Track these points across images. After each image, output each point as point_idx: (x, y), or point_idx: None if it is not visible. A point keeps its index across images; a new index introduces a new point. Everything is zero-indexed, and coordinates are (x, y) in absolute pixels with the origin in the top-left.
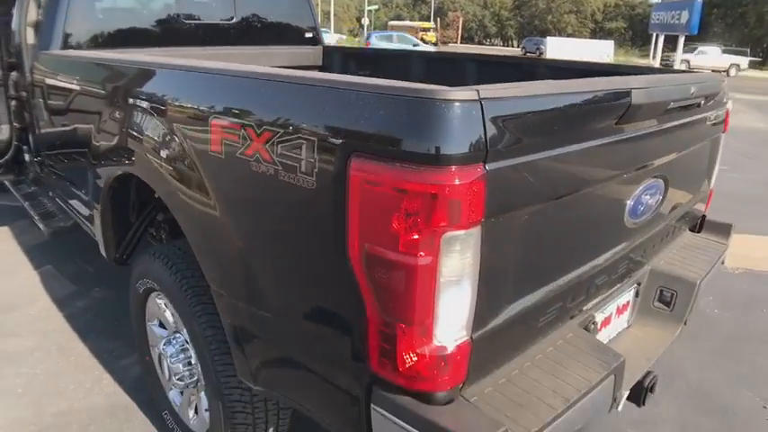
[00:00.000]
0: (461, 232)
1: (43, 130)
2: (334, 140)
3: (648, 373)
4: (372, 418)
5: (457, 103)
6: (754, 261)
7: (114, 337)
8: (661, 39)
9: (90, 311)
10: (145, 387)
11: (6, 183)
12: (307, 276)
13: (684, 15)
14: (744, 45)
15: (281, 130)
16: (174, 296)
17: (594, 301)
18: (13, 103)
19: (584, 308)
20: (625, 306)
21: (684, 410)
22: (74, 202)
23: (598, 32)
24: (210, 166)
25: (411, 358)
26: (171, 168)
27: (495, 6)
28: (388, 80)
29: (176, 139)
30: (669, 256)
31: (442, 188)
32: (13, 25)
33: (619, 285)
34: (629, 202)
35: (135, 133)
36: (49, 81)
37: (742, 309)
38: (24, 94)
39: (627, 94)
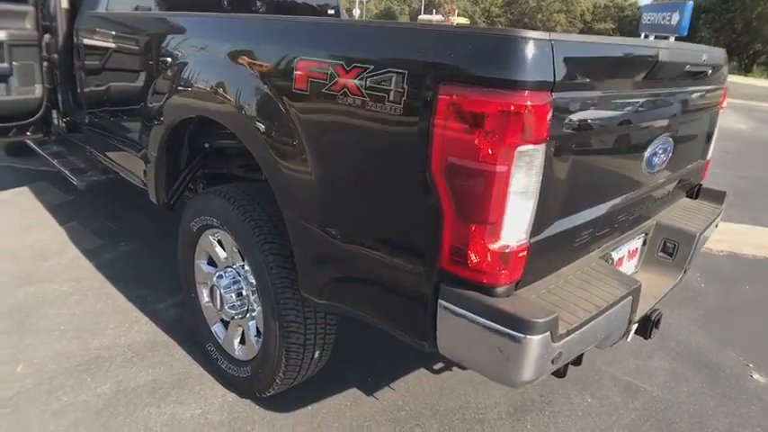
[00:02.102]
0: (531, 147)
1: (87, 89)
2: (424, 72)
3: (655, 309)
4: (438, 314)
5: (532, 42)
6: (735, 245)
7: (145, 286)
8: (651, 39)
9: (119, 262)
10: (182, 327)
11: (30, 143)
12: (385, 193)
13: (675, 17)
14: (731, 51)
15: (371, 66)
16: (236, 229)
17: (613, 240)
18: (45, 64)
19: (605, 244)
20: (634, 252)
21: (675, 364)
22: (118, 156)
23: (587, 32)
24: (294, 102)
25: (480, 255)
26: (250, 109)
27: (485, 2)
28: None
29: (257, 81)
30: (671, 213)
31: (518, 109)
32: None
33: (630, 231)
34: (647, 153)
35: (209, 81)
36: (98, 41)
37: (726, 285)
38: (56, 56)
39: (655, 53)
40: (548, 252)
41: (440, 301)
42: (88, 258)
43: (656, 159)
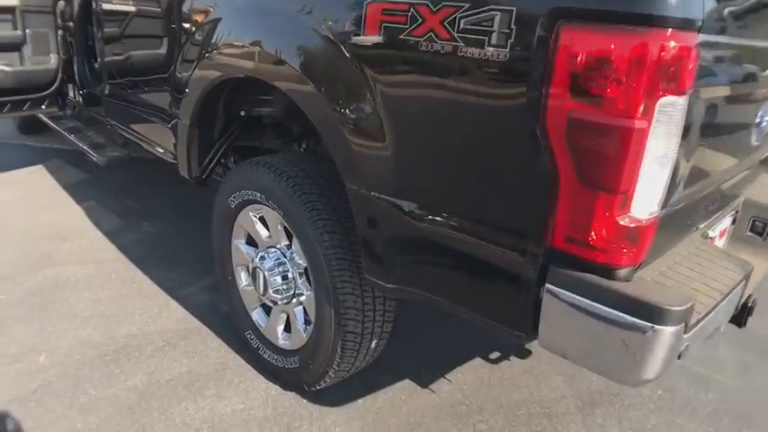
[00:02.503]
0: (673, 99)
1: (108, 59)
2: (539, 8)
3: (750, 295)
4: (544, 300)
5: None
6: None
7: (172, 267)
8: None
9: (143, 243)
10: (216, 313)
11: (44, 119)
12: (482, 159)
13: None
14: None
15: (467, 5)
16: (284, 205)
17: (712, 217)
18: (59, 33)
19: (705, 222)
20: (724, 231)
21: (744, 354)
22: (144, 129)
23: None
24: (363, 52)
25: (605, 230)
26: (307, 63)
27: None
28: None
29: (314, 30)
30: (758, 189)
31: (662, 51)
32: None
33: (725, 208)
34: (758, 118)
35: (253, 34)
36: (119, 5)
37: None
38: (71, 23)
39: None
40: (667, 228)
41: (546, 285)
42: (110, 239)
43: (763, 124)
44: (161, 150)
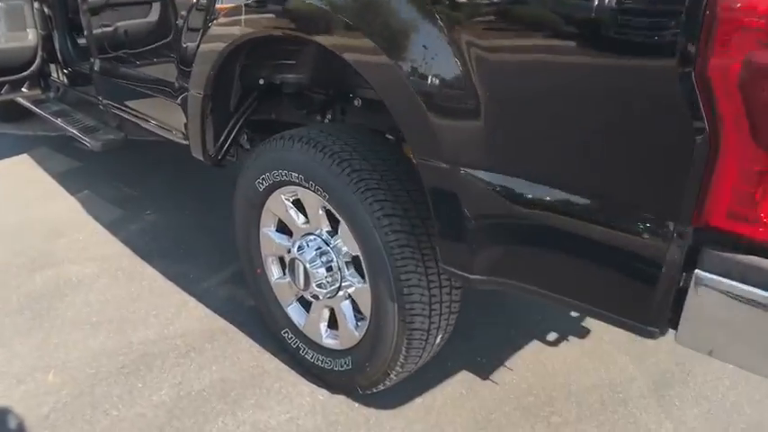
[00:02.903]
0: None
1: (97, 31)
2: None
3: None
4: (691, 290)
5: None
6: None
7: (184, 259)
8: None
9: (147, 234)
10: (240, 309)
11: (26, 103)
12: (608, 118)
13: None
14: None
15: None
16: (330, 185)
17: None
18: (36, 5)
19: None
20: None
21: None
22: (147, 107)
23: None
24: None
25: None
26: (372, 20)
27: None
28: None
29: None
30: None
31: None
32: None
33: None
34: None
35: None
36: None
37: None
38: None
39: None
40: None
41: (696, 271)
42: (111, 232)
43: None
44: (168, 130)
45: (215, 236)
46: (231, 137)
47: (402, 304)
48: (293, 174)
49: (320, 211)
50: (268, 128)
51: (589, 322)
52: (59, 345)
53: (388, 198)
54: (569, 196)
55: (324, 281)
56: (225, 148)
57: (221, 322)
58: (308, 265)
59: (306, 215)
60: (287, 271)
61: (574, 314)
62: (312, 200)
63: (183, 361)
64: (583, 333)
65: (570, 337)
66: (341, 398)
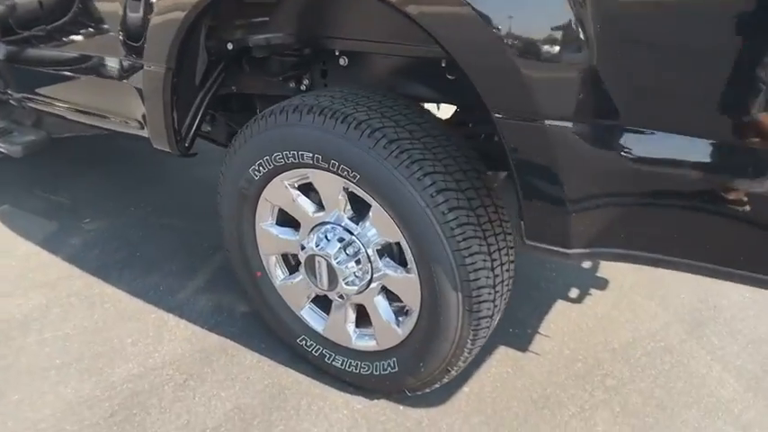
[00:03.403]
0: None
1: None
2: None
3: None
4: None
5: None
6: None
7: (146, 270)
8: None
9: (95, 247)
10: (233, 318)
11: None
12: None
13: None
14: None
15: None
16: (358, 161)
17: None
18: None
19: None
20: None
21: None
22: (88, 97)
23: None
24: None
25: None
26: None
27: None
28: None
29: None
30: None
31: None
32: None
33: None
34: None
35: None
36: None
37: None
38: None
39: None
40: None
41: None
42: (50, 251)
43: None
44: (115, 120)
45: (173, 233)
46: (198, 118)
47: (468, 292)
48: (305, 154)
49: (341, 196)
50: (227, 105)
51: (603, 270)
52: (22, 402)
53: (437, 170)
54: (702, 145)
55: (354, 276)
56: (193, 132)
57: (214, 338)
58: (333, 261)
59: (318, 202)
60: (303, 270)
61: (586, 265)
62: (330, 183)
63: (184, 394)
64: (602, 284)
65: (592, 290)
66: (381, 403)
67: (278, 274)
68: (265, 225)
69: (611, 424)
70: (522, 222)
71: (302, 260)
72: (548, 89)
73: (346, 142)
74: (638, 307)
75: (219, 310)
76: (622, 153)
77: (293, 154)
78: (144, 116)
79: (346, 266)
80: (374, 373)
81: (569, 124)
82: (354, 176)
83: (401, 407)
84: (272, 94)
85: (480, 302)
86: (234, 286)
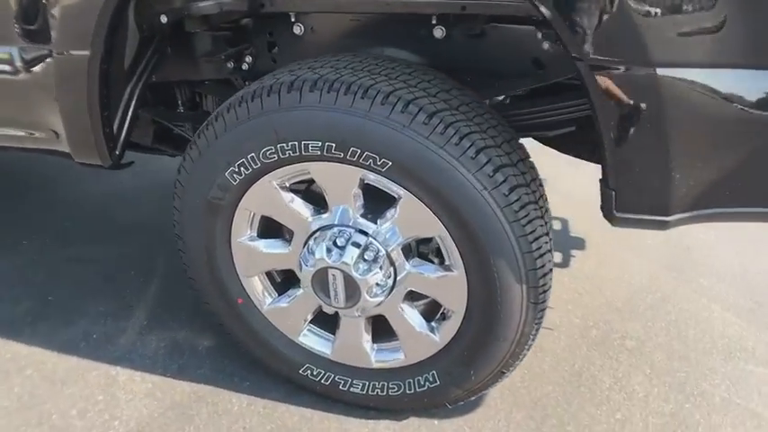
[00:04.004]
0: None
1: None
2: None
3: None
4: None
5: None
6: None
7: (67, 319)
8: None
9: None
10: (198, 356)
11: None
12: None
13: None
14: None
15: None
16: (393, 143)
17: None
18: None
19: None
20: None
21: None
22: None
23: None
24: None
25: None
26: None
27: None
28: None
29: None
30: None
31: None
32: None
33: None
34: None
35: None
36: None
37: None
38: None
39: None
40: None
41: None
42: None
43: None
44: (15, 133)
45: (86, 266)
46: (129, 116)
47: (534, 282)
48: (309, 144)
49: (355, 191)
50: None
51: (578, 229)
52: None
53: (488, 143)
54: None
55: (379, 286)
56: (125, 134)
57: (184, 386)
58: (353, 272)
59: (314, 202)
60: (310, 288)
61: (557, 226)
62: (342, 177)
63: None
64: (579, 243)
65: (573, 252)
66: (412, 422)
67: (264, 297)
68: (244, 240)
69: (648, 386)
70: (613, 193)
71: (306, 276)
72: (662, 33)
73: (371, 122)
74: (619, 261)
75: (178, 350)
76: (742, 99)
77: (292, 146)
78: (60, 121)
79: (370, 275)
80: (407, 391)
81: (686, 71)
82: (384, 164)
83: (435, 421)
84: (198, 80)
85: (545, 292)
86: (186, 317)
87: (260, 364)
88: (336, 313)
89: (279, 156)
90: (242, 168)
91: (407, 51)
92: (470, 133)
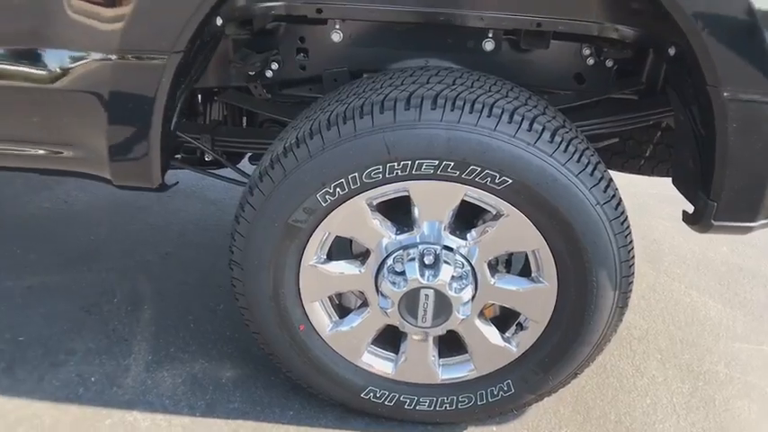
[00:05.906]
0: None
1: None
2: None
3: None
4: None
5: None
6: None
7: (53, 362)
8: None
9: None
10: (227, 391)
11: None
12: None
13: None
14: None
15: None
16: (512, 156)
17: None
18: None
19: None
20: None
21: None
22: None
23: None
24: None
25: None
26: None
27: None
28: None
29: None
30: None
31: None
32: None
33: None
34: None
35: None
36: None
37: None
38: None
39: None
40: None
41: None
42: None
43: None
44: (40, 152)
45: (57, 295)
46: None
47: (625, 288)
48: (424, 162)
49: (452, 209)
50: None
51: None
52: None
53: (595, 159)
54: None
55: (467, 303)
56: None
57: (222, 426)
58: (447, 290)
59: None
60: (396, 310)
61: None
62: (443, 194)
63: None
64: None
65: None
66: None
67: (325, 322)
68: (314, 263)
69: (663, 370)
70: (714, 204)
71: (392, 296)
72: None
73: (496, 141)
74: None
75: (200, 385)
76: None
77: (403, 165)
78: (102, 137)
79: (463, 292)
80: (478, 402)
81: None
82: (502, 182)
83: (494, 428)
84: (212, 87)
85: (629, 294)
86: (196, 346)
87: (314, 394)
88: (399, 331)
89: (384, 175)
90: (338, 189)
91: (450, 62)
92: (586, 149)
